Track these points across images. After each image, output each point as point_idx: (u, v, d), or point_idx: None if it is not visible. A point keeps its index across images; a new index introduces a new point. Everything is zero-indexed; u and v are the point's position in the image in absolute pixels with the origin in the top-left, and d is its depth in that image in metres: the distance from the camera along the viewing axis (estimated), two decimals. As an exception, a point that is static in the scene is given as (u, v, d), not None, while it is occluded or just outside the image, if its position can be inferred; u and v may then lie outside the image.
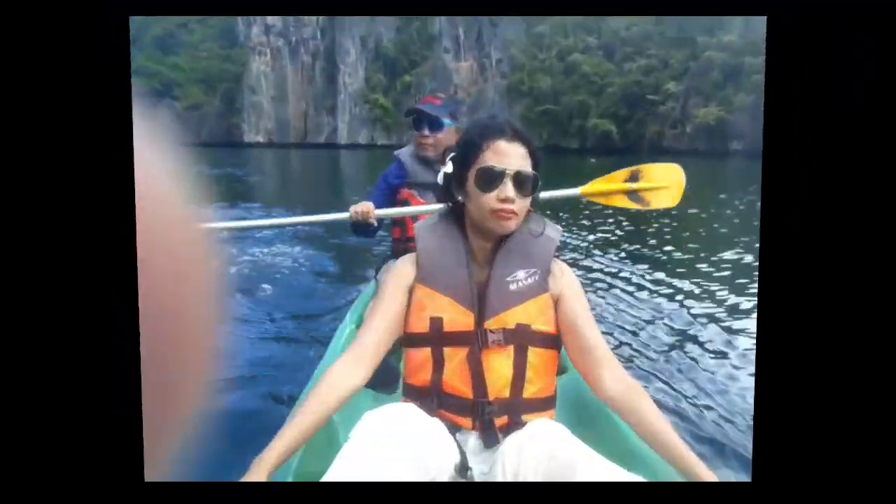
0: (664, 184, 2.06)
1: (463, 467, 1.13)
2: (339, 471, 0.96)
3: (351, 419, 1.27)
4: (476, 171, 1.20)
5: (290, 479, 1.12)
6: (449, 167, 1.29)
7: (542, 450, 1.04)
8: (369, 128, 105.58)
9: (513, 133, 1.22)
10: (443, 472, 1.06)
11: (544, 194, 2.09)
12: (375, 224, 2.20)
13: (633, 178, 2.10)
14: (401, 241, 2.40)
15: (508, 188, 1.17)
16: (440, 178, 1.32)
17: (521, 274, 1.24)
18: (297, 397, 1.76)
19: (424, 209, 2.12)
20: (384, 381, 1.57)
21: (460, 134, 1.38)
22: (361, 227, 2.19)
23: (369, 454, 0.98)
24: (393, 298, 1.27)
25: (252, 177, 24.14)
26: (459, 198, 1.28)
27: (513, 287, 1.23)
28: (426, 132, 2.34)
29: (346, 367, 1.18)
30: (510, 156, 1.20)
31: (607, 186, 2.13)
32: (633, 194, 2.08)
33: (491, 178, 1.17)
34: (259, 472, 0.98)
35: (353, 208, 2.17)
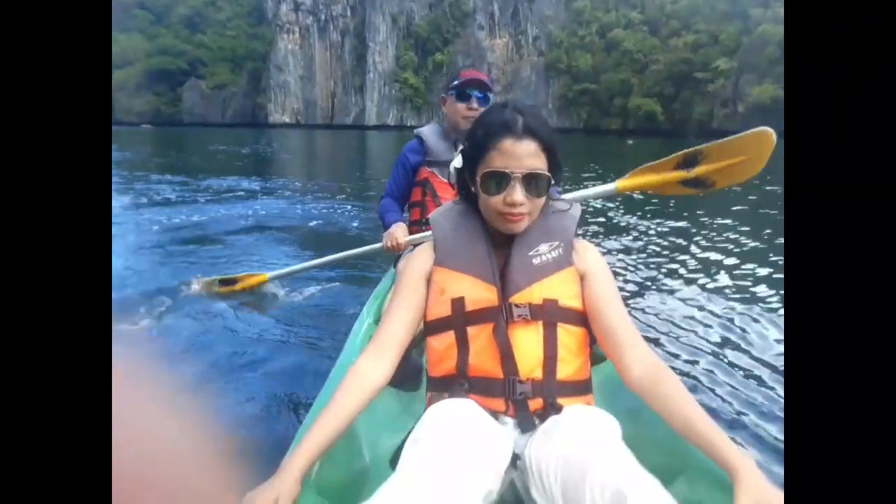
0: (739, 158, 1.78)
1: (513, 458, 1.10)
2: (411, 466, 0.95)
3: (368, 418, 1.25)
4: (481, 175, 1.13)
5: (311, 481, 1.06)
6: (459, 161, 1.22)
7: (558, 449, 1.00)
8: (398, 108, 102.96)
9: (523, 128, 1.10)
10: (500, 466, 1.03)
11: (573, 195, 2.05)
12: (405, 250, 2.27)
13: (690, 162, 1.83)
14: (420, 222, 2.37)
15: (516, 191, 1.10)
16: (452, 171, 1.24)
17: (543, 247, 1.19)
18: None
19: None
20: (407, 377, 1.52)
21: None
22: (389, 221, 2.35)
23: (436, 452, 0.96)
24: (412, 288, 1.22)
25: (280, 154, 24.61)
26: (473, 189, 1.20)
27: (536, 261, 1.18)
28: (475, 105, 2.25)
29: (369, 363, 1.13)
30: (518, 156, 1.09)
31: (652, 178, 1.87)
32: (689, 181, 1.83)
33: (497, 182, 1.11)
34: (290, 473, 0.96)
35: (386, 239, 2.27)
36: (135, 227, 6.73)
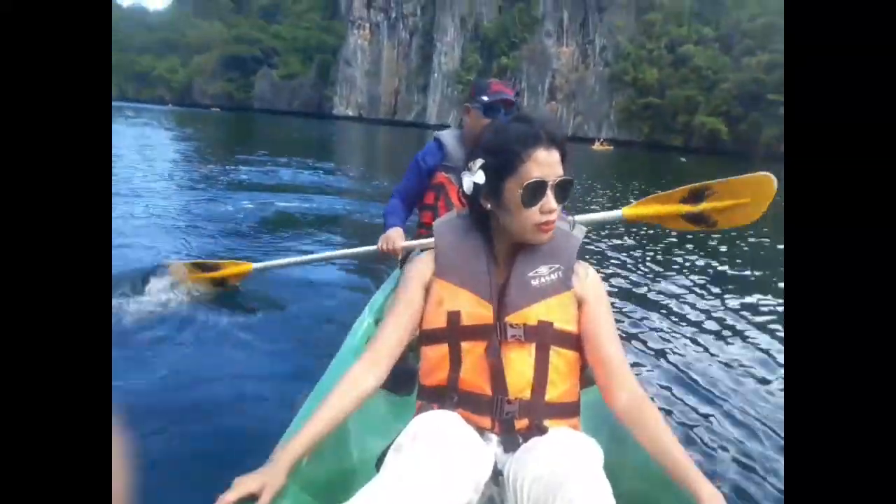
0: (742, 199, 1.75)
1: (496, 474, 1.11)
2: (391, 473, 0.98)
3: (360, 419, 1.32)
4: (523, 187, 1.13)
5: (298, 475, 1.10)
6: (480, 177, 1.19)
7: (536, 469, 1.01)
8: (459, 109, 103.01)
9: (548, 139, 1.14)
10: (480, 480, 1.05)
11: (581, 218, 1.98)
12: (400, 256, 2.22)
13: (696, 197, 1.80)
14: (430, 226, 2.26)
15: (551, 199, 1.14)
16: (467, 187, 1.21)
17: (543, 269, 1.20)
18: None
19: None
20: (401, 382, 1.55)
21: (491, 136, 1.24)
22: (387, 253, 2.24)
23: (417, 461, 0.98)
24: (410, 297, 1.24)
25: (341, 144, 26.48)
26: (488, 206, 1.21)
27: (535, 283, 1.19)
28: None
29: (364, 368, 1.18)
30: (551, 165, 1.14)
31: (657, 209, 1.84)
32: (692, 215, 1.80)
33: (537, 192, 1.13)
34: (278, 465, 1.02)
35: (381, 241, 2.23)
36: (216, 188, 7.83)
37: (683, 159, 41.72)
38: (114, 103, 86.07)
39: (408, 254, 2.33)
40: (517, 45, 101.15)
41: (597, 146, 51.71)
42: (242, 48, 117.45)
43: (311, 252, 4.24)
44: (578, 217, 1.95)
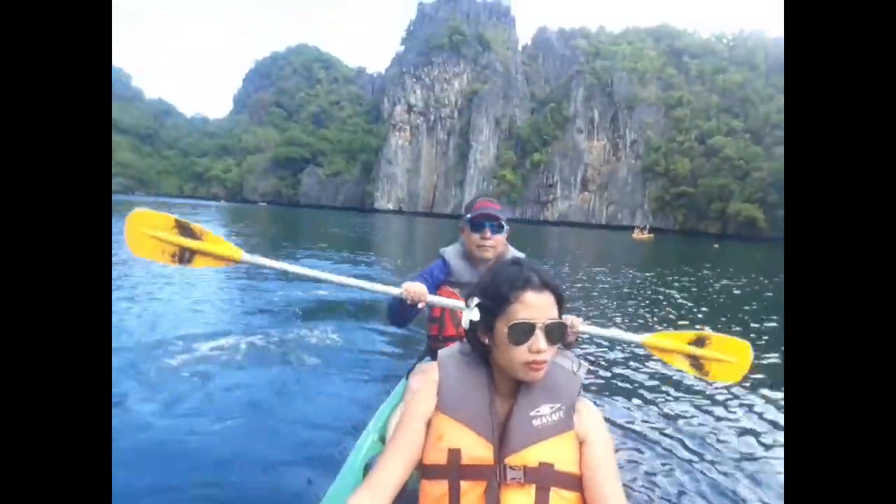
0: (730, 358, 1.99)
1: None
2: None
3: None
4: (508, 327, 1.16)
5: None
6: (476, 314, 1.24)
7: None
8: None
9: (541, 283, 1.18)
10: None
11: (605, 332, 2.08)
12: (422, 308, 2.18)
13: (699, 342, 2.04)
14: (437, 338, 2.38)
15: (540, 341, 1.15)
16: (465, 324, 1.26)
17: (545, 409, 1.20)
18: None
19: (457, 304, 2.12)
20: None
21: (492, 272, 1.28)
22: (400, 310, 2.21)
23: None
24: (410, 431, 1.23)
25: (382, 237, 27.40)
26: (486, 341, 1.24)
27: (536, 423, 1.19)
28: (488, 234, 2.31)
29: (363, 502, 1.13)
30: (540, 307, 1.17)
31: (670, 343, 2.06)
32: (694, 359, 2.03)
33: (523, 333, 1.16)
34: None
35: (405, 286, 2.14)
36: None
37: (716, 245, 41.48)
38: (172, 200, 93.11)
39: (418, 360, 2.58)
40: (549, 141, 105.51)
41: (637, 235, 49.36)
42: (292, 150, 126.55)
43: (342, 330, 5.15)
44: (602, 331, 2.05)
